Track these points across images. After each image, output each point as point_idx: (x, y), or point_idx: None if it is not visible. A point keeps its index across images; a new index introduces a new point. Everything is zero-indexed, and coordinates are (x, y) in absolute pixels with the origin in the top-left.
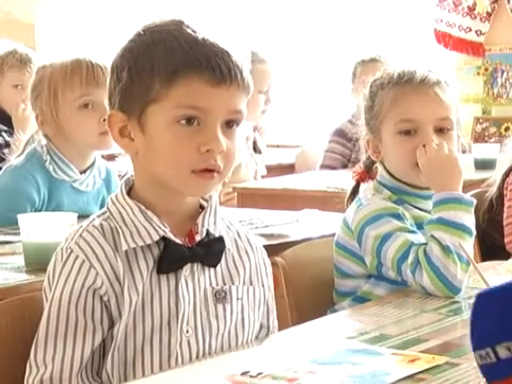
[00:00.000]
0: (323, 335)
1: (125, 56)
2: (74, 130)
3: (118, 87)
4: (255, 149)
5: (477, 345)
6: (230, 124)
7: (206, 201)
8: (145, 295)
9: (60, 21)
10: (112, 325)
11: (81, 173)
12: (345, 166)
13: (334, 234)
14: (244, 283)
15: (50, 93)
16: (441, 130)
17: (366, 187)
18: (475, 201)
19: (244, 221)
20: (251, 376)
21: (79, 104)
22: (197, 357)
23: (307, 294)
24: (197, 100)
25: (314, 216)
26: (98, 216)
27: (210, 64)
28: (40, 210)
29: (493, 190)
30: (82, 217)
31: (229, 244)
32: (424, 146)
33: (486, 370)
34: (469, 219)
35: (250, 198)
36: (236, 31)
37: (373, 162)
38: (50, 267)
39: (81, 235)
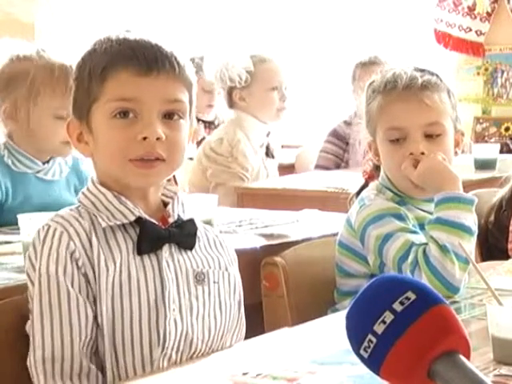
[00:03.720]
0: (323, 335)
1: (75, 70)
2: (42, 134)
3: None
4: (267, 153)
5: (358, 339)
6: (171, 116)
7: (171, 197)
8: (130, 276)
9: (60, 21)
10: (95, 300)
11: (44, 163)
12: (338, 166)
13: (334, 234)
14: (220, 268)
15: (30, 91)
16: (431, 136)
17: (369, 187)
18: (476, 199)
19: (244, 221)
20: (251, 376)
21: (56, 114)
22: (180, 335)
23: (307, 294)
24: (126, 91)
25: (314, 216)
26: (72, 209)
27: (134, 55)
28: (5, 203)
29: (503, 191)
30: (58, 205)
31: (199, 232)
32: (411, 153)
33: (372, 358)
34: (469, 218)
35: (249, 198)
36: (237, 34)
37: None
38: (30, 249)
39: (57, 214)
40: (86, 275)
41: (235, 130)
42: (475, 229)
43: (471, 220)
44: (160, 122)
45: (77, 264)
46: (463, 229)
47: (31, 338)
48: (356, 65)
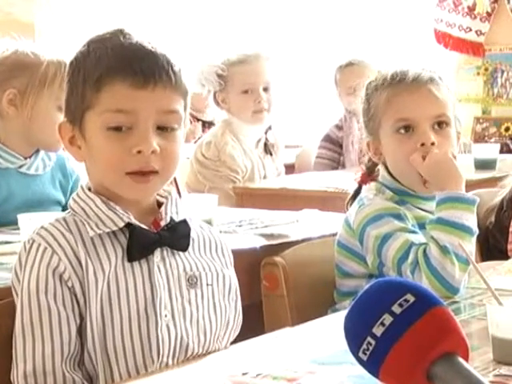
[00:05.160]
0: (323, 335)
1: (68, 69)
2: (46, 126)
3: (65, 99)
4: (266, 150)
5: (357, 342)
6: (166, 127)
7: (165, 197)
8: (119, 283)
9: (60, 21)
10: (82, 314)
11: (26, 158)
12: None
13: (333, 234)
14: (215, 270)
15: (43, 80)
16: (439, 127)
17: (368, 187)
18: (478, 199)
19: (244, 221)
20: (251, 376)
21: (60, 106)
22: (175, 341)
23: (307, 294)
24: (122, 103)
25: (314, 216)
26: (61, 215)
27: (131, 67)
28: None
29: (504, 191)
30: (42, 199)
31: (194, 233)
32: (422, 144)
33: (371, 361)
34: (470, 218)
35: (249, 198)
36: (236, 35)
37: (375, 165)
38: (15, 262)
39: (42, 227)
40: (72, 288)
41: (224, 132)
42: (476, 229)
43: (472, 220)
44: (155, 134)
45: (61, 278)
46: (464, 229)
47: (13, 351)
48: (336, 69)
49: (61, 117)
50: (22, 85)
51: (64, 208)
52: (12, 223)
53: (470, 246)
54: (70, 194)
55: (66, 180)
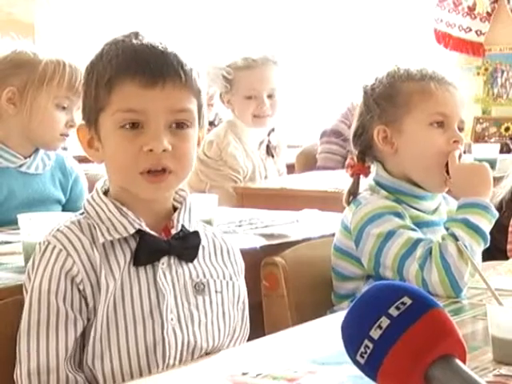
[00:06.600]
0: (323, 335)
1: (84, 73)
2: (44, 123)
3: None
4: (268, 152)
5: (354, 345)
6: (179, 125)
7: (180, 203)
8: (124, 287)
9: (60, 21)
10: (89, 316)
11: (26, 157)
12: (343, 167)
13: (333, 234)
14: (224, 277)
15: (42, 77)
16: (459, 130)
17: (363, 188)
18: (497, 214)
19: (244, 221)
20: (251, 376)
21: (58, 103)
22: (182, 345)
23: (307, 294)
24: (132, 103)
25: (314, 216)
26: (76, 216)
27: (140, 67)
28: None
29: (503, 192)
30: (43, 198)
31: (205, 241)
32: (455, 141)
33: (369, 364)
34: (488, 229)
35: (249, 198)
36: (244, 37)
37: (364, 156)
38: (30, 261)
39: (58, 229)
40: (83, 291)
41: (226, 132)
42: (489, 242)
43: (488, 232)
44: (168, 133)
45: (73, 281)
46: (484, 238)
47: (17, 349)
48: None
49: (59, 115)
50: (21, 82)
51: (64, 207)
52: (13, 222)
53: (479, 256)
54: (70, 193)
55: (66, 179)
